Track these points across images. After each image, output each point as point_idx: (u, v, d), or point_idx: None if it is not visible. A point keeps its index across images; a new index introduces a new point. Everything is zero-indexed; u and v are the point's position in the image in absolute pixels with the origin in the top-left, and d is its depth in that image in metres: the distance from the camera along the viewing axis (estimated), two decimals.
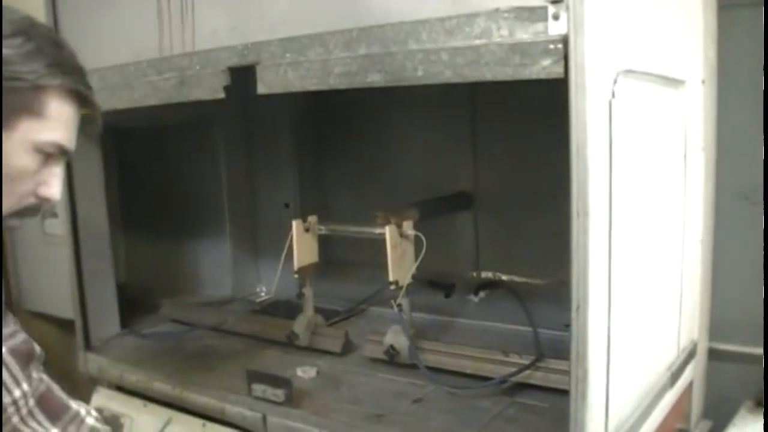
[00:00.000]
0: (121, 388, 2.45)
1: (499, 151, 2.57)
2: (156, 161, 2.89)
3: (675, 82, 1.98)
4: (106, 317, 2.64)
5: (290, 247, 2.36)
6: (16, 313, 2.74)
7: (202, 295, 3.08)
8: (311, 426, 1.96)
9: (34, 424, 1.30)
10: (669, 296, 2.08)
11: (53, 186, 1.37)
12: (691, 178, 2.12)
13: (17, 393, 1.27)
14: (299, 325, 2.44)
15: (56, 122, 1.34)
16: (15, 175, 1.31)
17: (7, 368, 1.26)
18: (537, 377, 2.07)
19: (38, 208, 1.39)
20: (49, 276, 3.07)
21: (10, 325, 1.30)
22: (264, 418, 2.03)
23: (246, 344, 2.58)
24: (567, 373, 1.59)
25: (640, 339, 1.86)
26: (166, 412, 2.28)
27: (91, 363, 2.53)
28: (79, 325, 2.56)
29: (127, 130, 2.61)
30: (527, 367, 2.08)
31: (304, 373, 2.26)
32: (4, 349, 1.26)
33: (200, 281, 3.13)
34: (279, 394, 2.03)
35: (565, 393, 1.62)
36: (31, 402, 1.29)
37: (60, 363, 2.96)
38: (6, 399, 1.25)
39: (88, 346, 2.56)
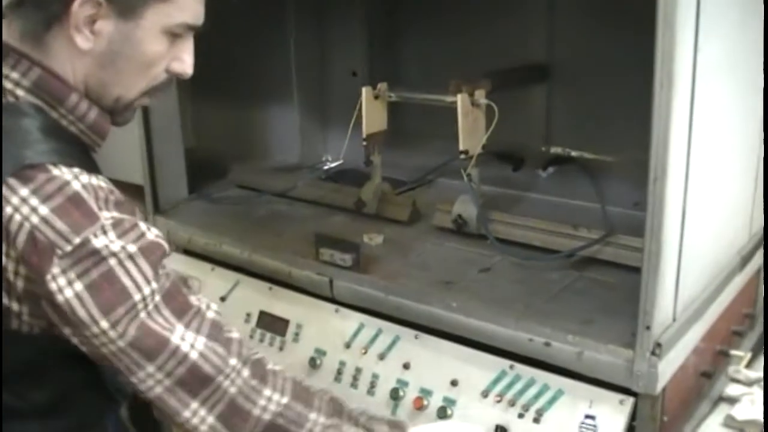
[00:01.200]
0: (189, 252, 2.47)
1: (576, 22, 2.48)
2: (224, 26, 2.85)
3: None
4: (175, 181, 2.66)
5: (359, 115, 2.34)
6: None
7: (271, 162, 3.08)
8: (378, 291, 1.97)
9: (160, 320, 1.30)
10: (744, 180, 2.03)
11: (185, 61, 1.41)
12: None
13: (147, 290, 1.28)
14: (367, 192, 2.44)
15: (183, 1, 1.35)
16: (148, 61, 1.35)
17: (138, 267, 1.27)
18: (606, 252, 2.05)
19: (169, 84, 1.43)
20: (119, 142, 3.08)
21: (139, 226, 1.30)
22: (331, 282, 2.05)
23: (313, 210, 2.59)
24: (637, 249, 1.59)
25: (713, 219, 1.83)
26: (234, 276, 2.30)
27: (161, 227, 2.54)
28: (148, 189, 2.58)
29: None
30: (597, 241, 2.06)
31: (371, 239, 2.27)
32: (135, 248, 1.26)
33: (268, 147, 3.12)
34: (346, 258, 2.04)
35: (633, 270, 1.62)
36: (157, 298, 1.30)
37: None
38: (136, 296, 1.26)
39: (157, 210, 2.59)
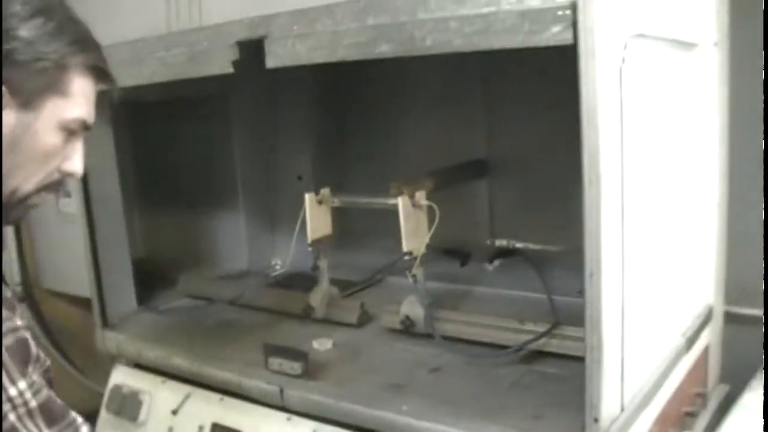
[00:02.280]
0: (139, 365, 2.45)
1: (512, 118, 2.55)
2: (170, 136, 2.89)
3: (687, 45, 1.96)
4: (123, 294, 2.64)
5: (304, 220, 2.36)
6: (35, 292, 2.76)
7: (219, 269, 3.09)
8: (329, 397, 1.96)
9: (31, 426, 1.28)
10: (684, 261, 2.07)
11: (76, 161, 1.43)
12: (706, 142, 2.10)
13: (13, 391, 1.25)
14: (315, 298, 2.45)
15: (80, 99, 1.38)
16: (44, 154, 1.36)
17: (5, 365, 1.25)
18: (553, 344, 2.08)
19: (60, 184, 1.44)
20: (66, 255, 3.07)
21: (16, 320, 1.29)
22: (281, 391, 2.04)
23: (262, 318, 2.59)
24: (582, 339, 1.60)
25: (654, 305, 1.86)
26: (184, 388, 2.28)
27: (109, 340, 2.54)
28: (95, 302, 2.56)
29: (140, 105, 2.61)
30: (543, 334, 2.08)
31: (321, 345, 2.27)
32: (4, 344, 1.25)
33: (216, 255, 3.13)
34: (296, 367, 2.03)
35: (582, 360, 1.62)
36: (33, 404, 1.28)
37: (80, 341, 2.99)
38: (4, 395, 1.24)
39: (105, 323, 2.56)
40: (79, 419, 1.38)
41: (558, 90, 1.74)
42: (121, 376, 2.48)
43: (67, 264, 3.04)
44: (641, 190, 1.67)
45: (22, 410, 1.26)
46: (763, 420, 1.85)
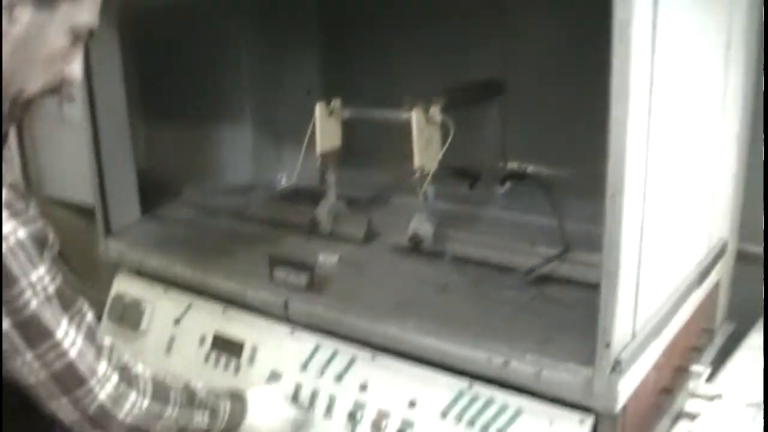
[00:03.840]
0: (142, 273, 2.43)
1: (531, 36, 2.47)
2: (176, 44, 2.82)
3: None
4: (126, 202, 2.62)
5: (313, 133, 2.31)
6: (37, 200, 2.76)
7: (224, 181, 3.04)
8: (334, 311, 1.94)
9: (49, 311, 1.32)
10: (702, 192, 2.02)
11: (76, 67, 1.46)
12: (732, 70, 2.03)
13: (34, 276, 1.29)
14: (321, 212, 2.41)
15: (91, 4, 1.42)
16: (51, 56, 1.40)
17: (25, 251, 1.28)
18: (564, 269, 2.04)
19: (60, 89, 1.46)
20: (69, 162, 3.04)
21: (30, 211, 1.32)
22: (286, 304, 2.02)
23: (267, 230, 2.55)
24: (594, 266, 1.56)
25: (671, 234, 1.81)
26: (186, 298, 2.27)
27: (112, 248, 2.52)
28: (98, 210, 2.54)
29: (146, 11, 2.56)
30: (555, 258, 2.05)
31: (326, 259, 2.23)
32: (23, 233, 1.28)
33: (222, 167, 3.08)
34: (301, 278, 2.01)
35: (591, 287, 1.59)
36: (51, 289, 1.32)
37: (81, 249, 2.97)
38: (23, 282, 1.28)
39: (108, 231, 2.55)
40: (86, 305, 1.43)
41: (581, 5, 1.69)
42: (123, 285, 2.46)
43: (71, 171, 3.01)
44: (667, 111, 1.60)
45: (41, 296, 1.31)
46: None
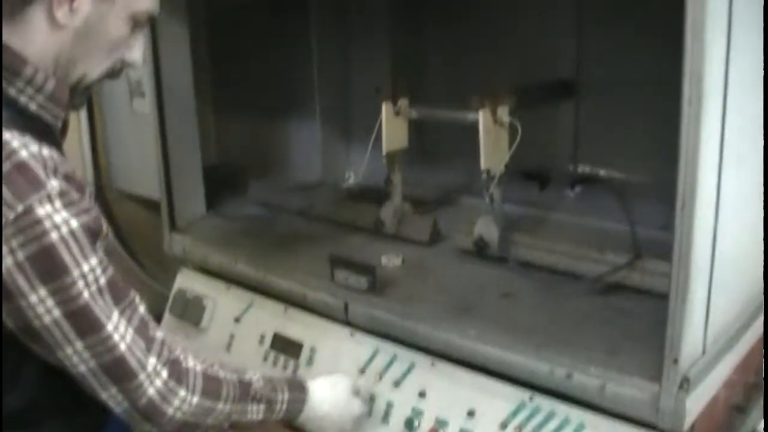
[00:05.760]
0: (205, 270, 2.43)
1: (604, 37, 2.40)
2: (248, 40, 2.82)
3: None
4: (192, 198, 2.63)
5: (380, 132, 2.28)
6: (107, 193, 2.80)
7: (291, 178, 3.03)
8: (394, 315, 1.91)
9: (100, 302, 1.31)
10: None
11: (137, 52, 1.48)
12: None
13: (86, 267, 1.28)
14: (386, 212, 2.38)
15: None
16: (112, 43, 1.41)
17: (77, 241, 1.27)
18: (633, 278, 1.97)
19: (120, 73, 1.49)
20: (138, 156, 3.06)
21: (85, 201, 1.31)
22: (346, 306, 1.99)
23: (332, 230, 2.54)
24: (665, 275, 1.49)
25: (745, 243, 1.73)
26: (248, 296, 2.26)
27: (176, 244, 2.53)
28: (164, 205, 2.55)
29: (219, 5, 2.55)
30: (624, 266, 1.97)
31: (389, 261, 2.20)
32: (75, 223, 1.27)
33: (289, 164, 3.08)
34: (362, 281, 1.98)
35: (662, 297, 1.52)
36: (102, 280, 1.32)
37: (148, 243, 2.99)
38: (75, 272, 1.27)
39: (173, 226, 2.56)
40: (137, 298, 1.42)
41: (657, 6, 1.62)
42: (186, 280, 2.46)
43: (139, 165, 3.03)
44: (743, 115, 1.53)
45: (93, 288, 1.30)
46: None
